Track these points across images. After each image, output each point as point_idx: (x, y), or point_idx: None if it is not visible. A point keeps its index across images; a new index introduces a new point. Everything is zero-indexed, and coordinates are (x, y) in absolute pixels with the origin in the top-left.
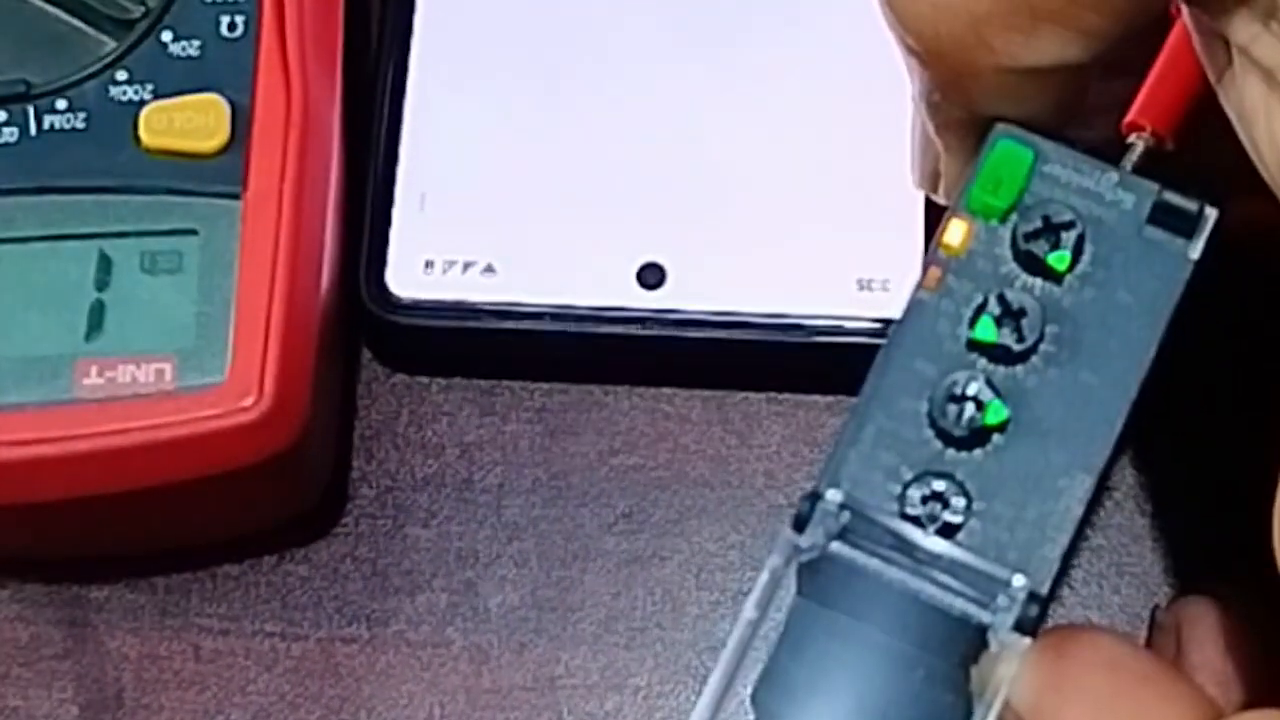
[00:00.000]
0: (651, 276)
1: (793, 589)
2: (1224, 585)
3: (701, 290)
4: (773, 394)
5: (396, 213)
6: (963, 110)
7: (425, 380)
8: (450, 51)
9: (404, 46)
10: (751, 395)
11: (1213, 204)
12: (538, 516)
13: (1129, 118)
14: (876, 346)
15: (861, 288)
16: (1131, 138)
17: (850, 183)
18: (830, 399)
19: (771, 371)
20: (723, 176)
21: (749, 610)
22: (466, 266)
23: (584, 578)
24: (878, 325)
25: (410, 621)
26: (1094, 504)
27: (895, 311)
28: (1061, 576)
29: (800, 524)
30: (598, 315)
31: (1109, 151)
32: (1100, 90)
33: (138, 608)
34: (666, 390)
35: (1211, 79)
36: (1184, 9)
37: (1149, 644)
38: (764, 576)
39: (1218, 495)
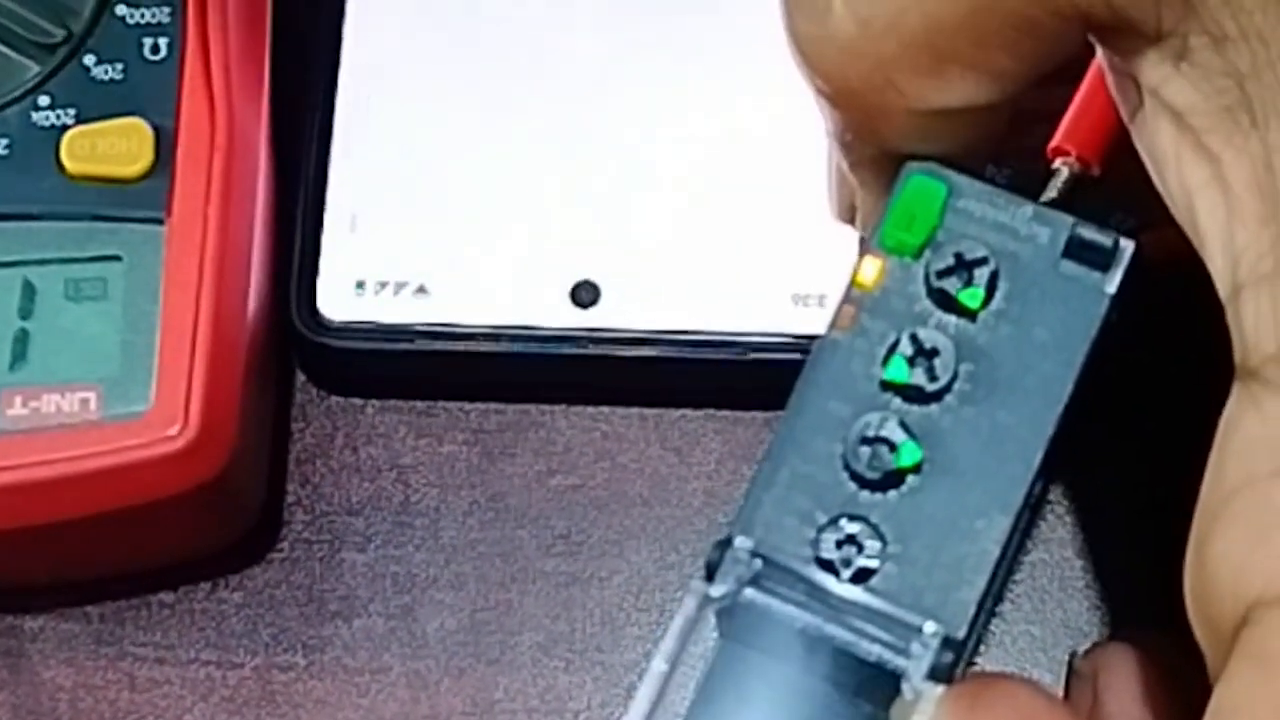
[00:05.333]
0: (585, 295)
1: (714, 630)
2: (1143, 632)
3: (636, 308)
4: (710, 410)
5: (327, 234)
6: (875, 148)
7: (360, 402)
8: (379, 71)
9: (332, 66)
10: (689, 412)
11: (1129, 236)
12: (475, 539)
13: (1053, 143)
14: None
15: (797, 303)
16: (1056, 163)
17: (784, 198)
18: (768, 414)
19: (708, 388)
20: (655, 193)
21: (658, 663)
22: (399, 288)
23: (523, 600)
24: (814, 341)
25: (347, 648)
26: (1018, 545)
27: None
28: (980, 619)
29: (711, 572)
30: (532, 335)
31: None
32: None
33: (72, 637)
34: (604, 409)
35: (1125, 118)
36: (1097, 47)
37: (1067, 691)
38: (675, 625)
39: (1146, 522)
